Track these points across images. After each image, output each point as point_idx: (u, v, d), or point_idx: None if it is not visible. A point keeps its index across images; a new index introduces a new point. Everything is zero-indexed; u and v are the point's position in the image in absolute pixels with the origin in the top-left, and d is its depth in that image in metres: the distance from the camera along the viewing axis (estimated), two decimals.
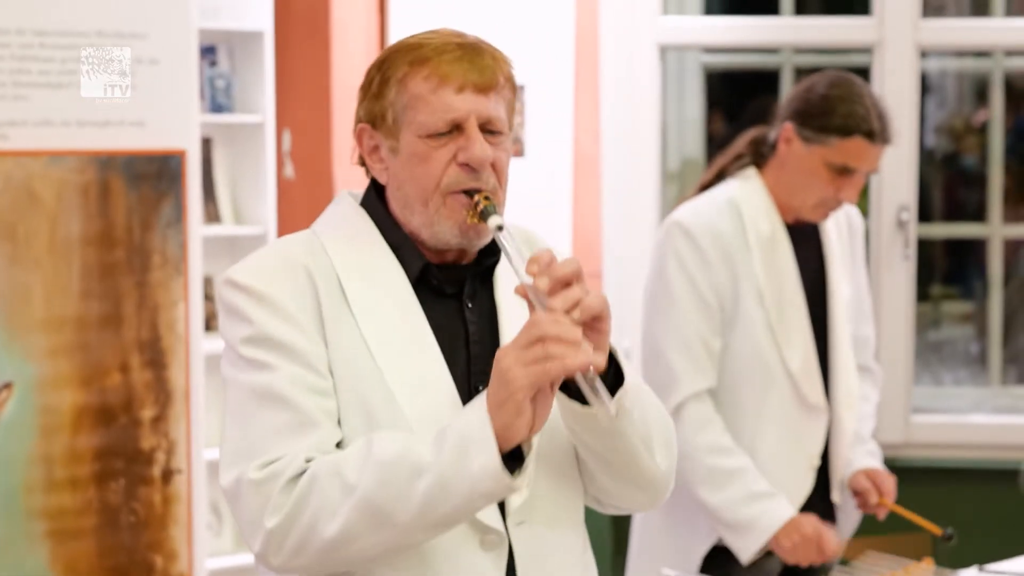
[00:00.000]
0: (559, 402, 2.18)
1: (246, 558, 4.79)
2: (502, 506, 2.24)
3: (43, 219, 3.97)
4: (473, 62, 2.26)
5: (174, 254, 4.18)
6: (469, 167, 2.25)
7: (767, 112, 6.52)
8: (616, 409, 2.12)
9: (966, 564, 3.47)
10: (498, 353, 2.10)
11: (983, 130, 6.85)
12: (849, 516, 3.70)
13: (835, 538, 3.46)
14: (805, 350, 3.53)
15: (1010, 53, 6.05)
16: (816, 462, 3.56)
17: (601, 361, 2.10)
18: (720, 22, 5.46)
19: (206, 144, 4.71)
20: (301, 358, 2.20)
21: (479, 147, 2.24)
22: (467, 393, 2.27)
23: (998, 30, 5.62)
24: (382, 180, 2.33)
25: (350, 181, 4.83)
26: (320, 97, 4.88)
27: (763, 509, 3.43)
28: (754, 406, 3.51)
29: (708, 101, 7.17)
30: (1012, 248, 6.79)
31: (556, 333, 2.05)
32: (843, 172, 3.41)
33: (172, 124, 4.15)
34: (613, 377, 2.19)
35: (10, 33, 3.93)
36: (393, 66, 2.29)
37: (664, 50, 5.40)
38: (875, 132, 3.39)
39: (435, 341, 2.27)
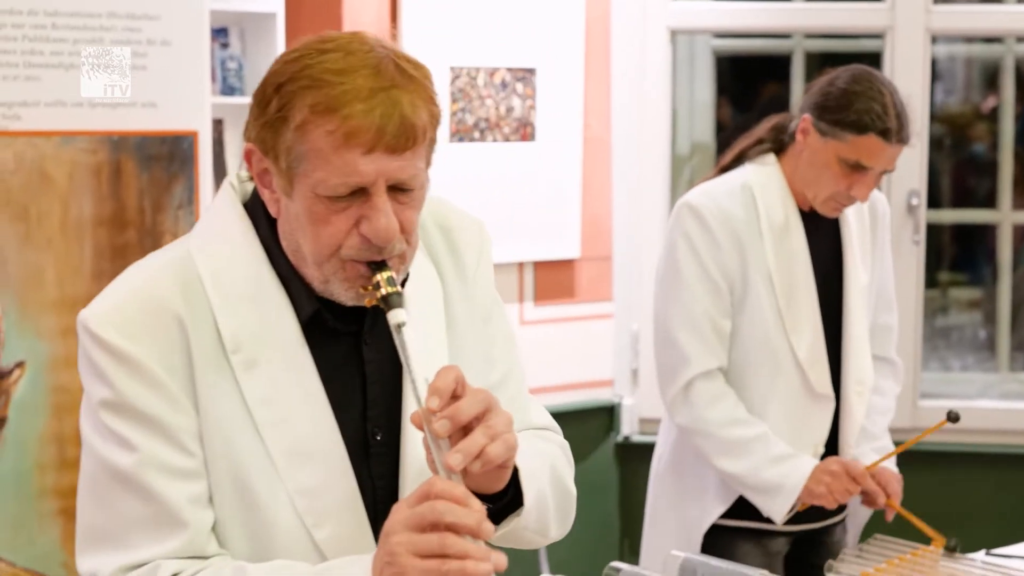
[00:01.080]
0: None
1: None
2: None
3: (55, 200, 3.97)
4: (388, 116, 1.92)
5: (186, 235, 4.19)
6: (371, 240, 1.97)
7: (777, 98, 6.53)
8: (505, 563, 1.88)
9: (974, 548, 3.48)
10: (391, 520, 1.87)
11: (991, 117, 6.84)
12: (858, 510, 3.72)
13: (858, 464, 3.49)
14: (813, 338, 3.54)
15: (1021, 39, 6.04)
16: (820, 450, 3.58)
17: (503, 562, 1.86)
18: (731, 6, 5.46)
19: (218, 126, 4.72)
20: (166, 432, 1.98)
21: (384, 221, 1.95)
22: (361, 446, 2.08)
23: (1010, 15, 5.62)
24: (272, 211, 2.05)
25: None
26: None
27: (788, 469, 3.48)
28: (761, 391, 3.53)
29: (718, 86, 7.17)
30: (1021, 234, 6.79)
31: (458, 522, 1.83)
32: (856, 168, 3.40)
33: (184, 105, 4.15)
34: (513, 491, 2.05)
35: (23, 14, 3.94)
36: (292, 103, 1.95)
37: (675, 34, 5.40)
38: (890, 131, 3.36)
39: (325, 397, 2.05)
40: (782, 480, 3.48)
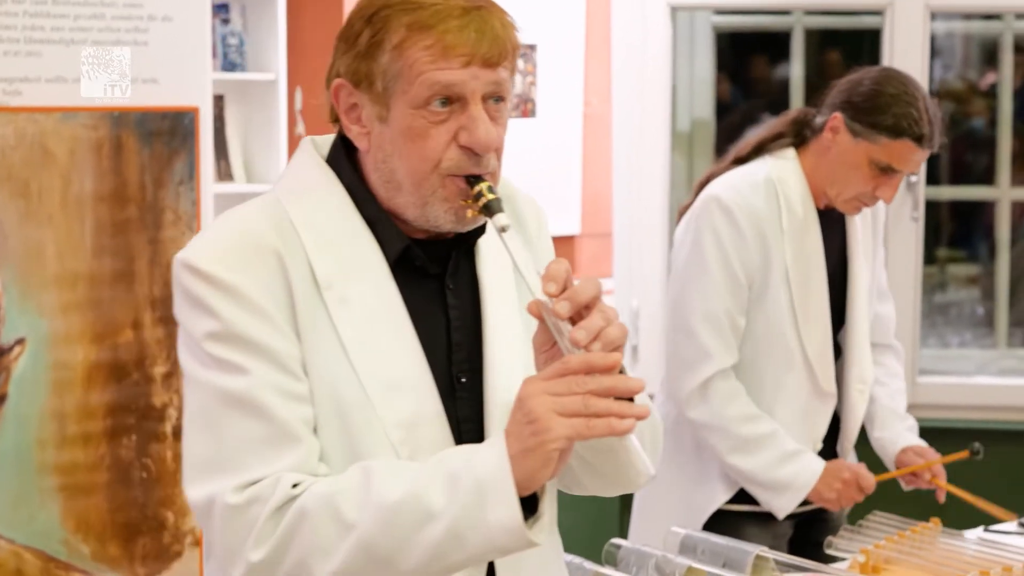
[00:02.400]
0: None
1: None
2: None
3: (56, 176, 3.97)
4: (481, 31, 2.01)
5: (186, 211, 4.19)
6: (471, 150, 2.03)
7: (777, 75, 6.52)
8: (652, 474, 1.94)
9: (972, 525, 3.49)
10: (525, 387, 1.90)
11: (989, 93, 6.85)
12: None
13: (869, 474, 3.52)
14: (823, 336, 3.55)
15: (1020, 16, 6.04)
16: (819, 446, 3.61)
17: (645, 411, 1.90)
18: None
19: (218, 102, 4.72)
20: (275, 358, 2.00)
21: (484, 129, 2.02)
22: (448, 387, 2.11)
23: None
24: (361, 146, 2.09)
25: None
26: (331, 56, 4.88)
27: (798, 467, 3.51)
28: (771, 385, 3.55)
29: (718, 62, 7.18)
30: (1020, 211, 6.80)
31: (602, 387, 1.87)
32: (885, 171, 3.40)
33: (185, 81, 4.15)
34: None
35: None
36: (387, 26, 2.02)
37: (675, 10, 5.40)
38: (925, 136, 3.37)
39: (415, 335, 2.08)
40: (792, 478, 3.50)
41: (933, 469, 3.64)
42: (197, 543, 4.26)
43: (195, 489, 2.00)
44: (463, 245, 2.15)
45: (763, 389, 3.54)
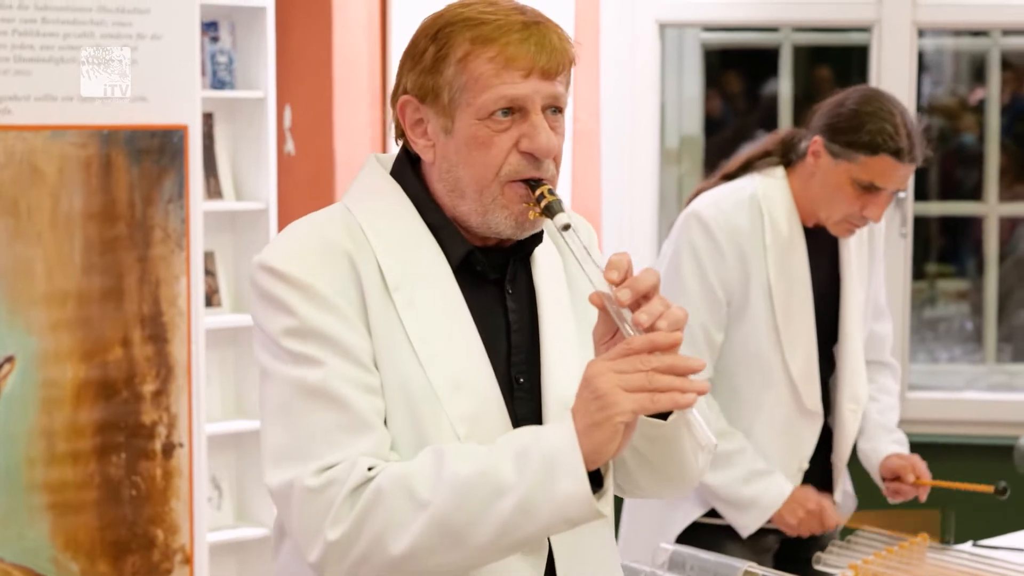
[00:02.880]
0: None
1: (246, 532, 4.81)
2: None
3: (45, 194, 3.98)
4: (541, 44, 2.14)
5: (176, 229, 4.19)
6: (532, 156, 2.13)
7: (764, 92, 6.54)
8: (715, 444, 2.02)
9: (961, 540, 3.49)
10: (591, 368, 2.00)
11: (978, 108, 6.87)
12: (847, 502, 3.74)
13: (834, 511, 3.51)
14: (807, 355, 3.53)
15: (1007, 32, 6.07)
16: (805, 465, 3.58)
17: (706, 387, 2.00)
18: (719, 0, 5.47)
19: (207, 119, 4.72)
20: (349, 353, 2.09)
21: (545, 136, 2.12)
22: (507, 387, 2.19)
23: (995, 9, 5.63)
24: (427, 158, 2.20)
25: (351, 156, 4.85)
26: (321, 72, 4.89)
27: (764, 487, 3.48)
28: (750, 403, 3.53)
29: (707, 80, 7.19)
30: (1008, 226, 6.82)
31: (664, 364, 1.97)
32: (869, 189, 3.38)
33: (174, 99, 4.17)
34: None
35: (12, 8, 3.95)
36: (451, 41, 2.14)
37: (663, 27, 5.41)
38: (903, 151, 3.34)
39: (478, 335, 2.18)
40: (757, 498, 3.48)
41: (917, 469, 3.62)
42: (187, 561, 4.26)
43: (274, 475, 2.09)
44: (520, 252, 2.25)
45: (741, 406, 3.53)
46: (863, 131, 3.36)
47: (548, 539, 2.17)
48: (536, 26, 2.16)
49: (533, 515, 1.99)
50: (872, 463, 3.67)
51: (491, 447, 2.05)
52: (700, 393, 1.98)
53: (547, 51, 2.14)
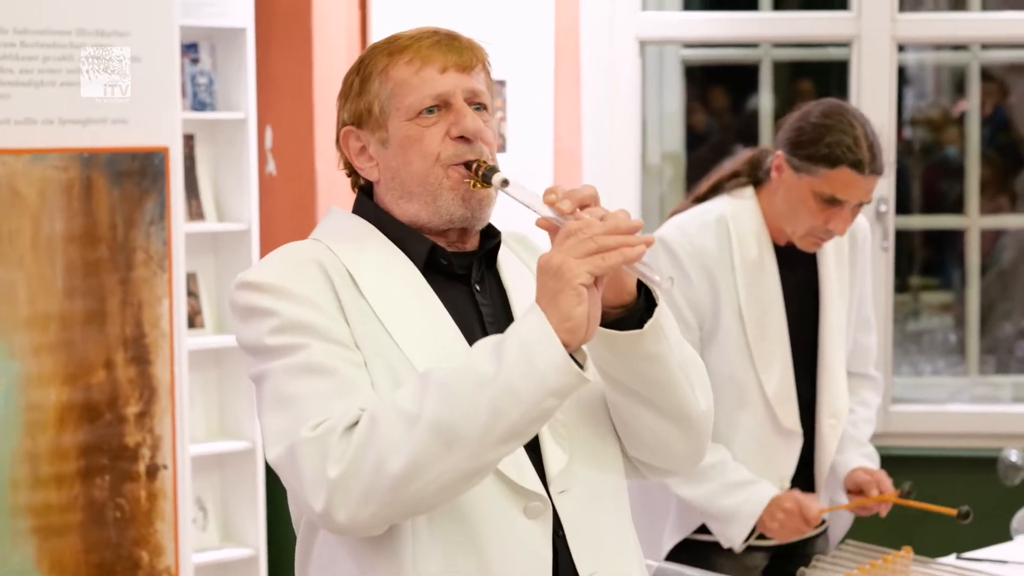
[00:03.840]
0: (593, 339, 2.14)
1: (232, 553, 4.81)
2: (541, 476, 2.21)
3: (26, 217, 3.98)
4: (451, 45, 2.30)
5: (158, 251, 4.20)
6: (464, 139, 2.27)
7: (748, 110, 6.56)
8: (671, 279, 2.10)
9: (945, 552, 3.50)
10: (542, 258, 2.09)
11: (962, 120, 6.89)
12: (838, 518, 3.73)
13: (814, 504, 3.49)
14: (783, 375, 3.52)
15: (986, 46, 6.09)
16: (786, 484, 3.56)
17: (650, 239, 2.09)
18: (699, 16, 5.50)
19: (188, 141, 4.72)
20: (330, 336, 2.18)
21: (470, 119, 2.27)
22: None
23: (974, 23, 5.66)
24: (372, 177, 2.34)
25: (332, 177, 4.86)
26: (302, 93, 4.90)
27: (744, 497, 3.47)
28: (726, 425, 3.51)
29: (688, 95, 7.20)
30: (990, 238, 6.83)
31: (605, 228, 2.07)
32: (831, 203, 3.37)
33: (155, 121, 4.17)
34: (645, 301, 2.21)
35: None
36: (372, 62, 2.32)
37: (644, 45, 5.42)
38: (863, 162, 3.32)
39: (451, 319, 2.27)
40: (738, 508, 3.47)
41: (881, 485, 3.61)
42: None
43: (273, 450, 2.15)
44: (482, 252, 2.35)
45: (717, 426, 3.50)
46: (822, 144, 3.35)
47: (553, 507, 2.21)
48: (446, 33, 2.33)
49: (518, 394, 2.04)
50: (838, 475, 3.66)
51: (466, 353, 2.13)
52: (647, 244, 2.07)
53: (457, 50, 2.31)
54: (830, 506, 3.60)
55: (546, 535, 2.20)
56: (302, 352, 2.16)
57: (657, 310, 2.18)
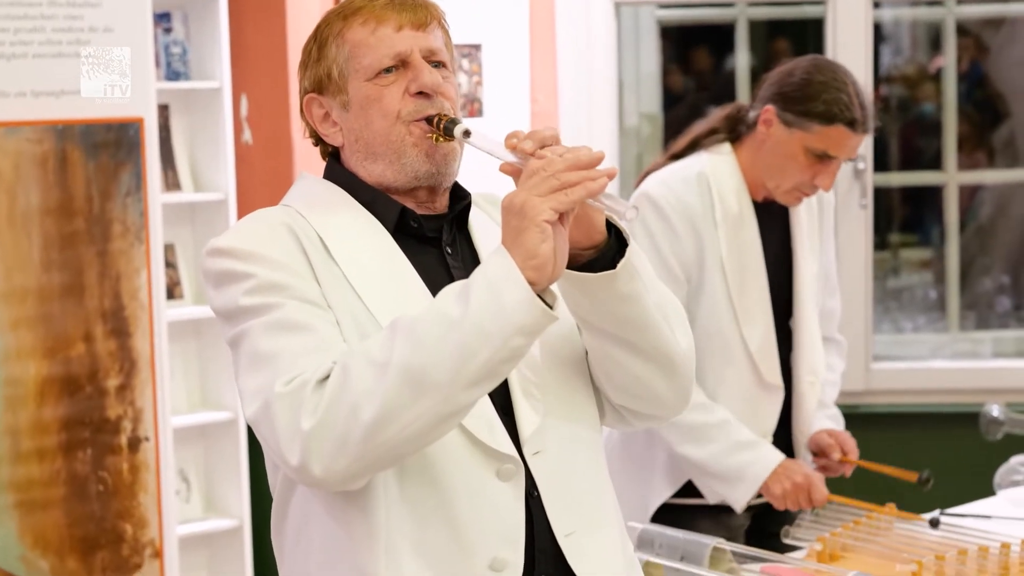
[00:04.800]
0: (566, 286, 2.16)
1: (216, 524, 4.81)
2: (516, 438, 2.21)
3: (1, 191, 3.96)
4: (404, 4, 2.31)
5: (135, 222, 4.18)
6: (423, 95, 2.28)
7: (725, 69, 6.55)
8: (635, 208, 2.09)
9: (929, 508, 3.51)
10: (505, 198, 2.09)
11: (938, 77, 6.89)
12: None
13: (824, 487, 3.50)
14: (765, 329, 3.54)
15: (962, 1, 6.08)
16: (769, 439, 3.57)
17: (613, 171, 2.09)
18: None
19: (163, 111, 4.70)
20: (303, 295, 2.19)
21: (428, 74, 2.27)
22: None
23: None
24: (337, 142, 2.35)
25: (308, 145, 4.83)
26: (276, 61, 4.88)
27: (752, 457, 3.47)
28: (712, 379, 3.52)
29: (664, 55, 7.19)
30: (968, 194, 6.83)
31: (566, 163, 2.06)
32: (822, 158, 3.40)
33: (129, 92, 4.14)
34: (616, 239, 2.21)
35: None
36: (327, 27, 2.33)
37: (619, 6, 5.41)
38: (857, 121, 3.36)
39: (421, 282, 2.26)
40: (745, 468, 3.48)
41: (844, 447, 3.62)
42: (157, 554, 4.25)
43: (250, 407, 2.15)
44: (452, 214, 2.35)
45: (704, 382, 3.53)
46: (819, 100, 3.37)
47: (528, 469, 2.21)
48: None
49: (486, 334, 2.04)
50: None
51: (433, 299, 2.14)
52: (609, 176, 2.06)
53: (411, 8, 2.31)
54: (838, 496, 3.60)
55: (519, 497, 2.20)
56: (277, 310, 2.17)
57: (629, 249, 2.17)
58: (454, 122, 2.27)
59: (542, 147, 2.12)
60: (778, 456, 3.49)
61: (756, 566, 3.06)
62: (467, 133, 2.25)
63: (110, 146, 4.13)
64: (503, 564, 2.18)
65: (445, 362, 2.04)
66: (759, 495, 3.52)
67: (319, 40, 2.34)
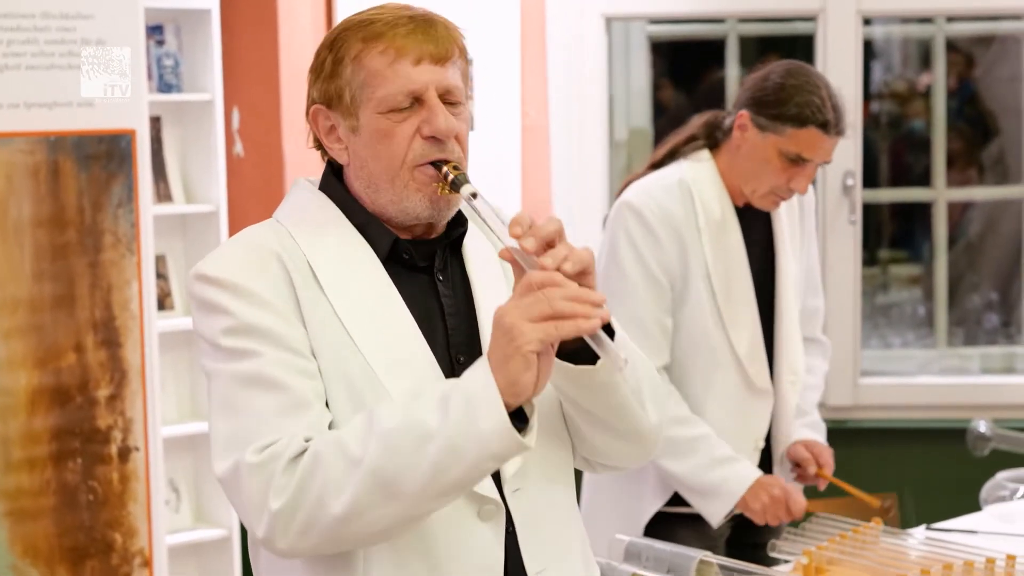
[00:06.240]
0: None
1: (205, 533, 4.82)
2: (496, 476, 2.23)
3: None
4: (427, 34, 2.25)
5: (126, 234, 4.19)
6: (434, 139, 2.24)
7: (715, 83, 6.57)
8: (625, 360, 2.07)
9: (915, 523, 3.52)
10: (498, 311, 2.07)
11: (928, 94, 6.91)
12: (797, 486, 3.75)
13: (801, 498, 3.52)
14: (752, 333, 3.56)
15: (952, 18, 6.11)
16: (761, 443, 3.60)
17: (607, 315, 2.07)
18: None
19: (155, 123, 4.71)
20: (284, 342, 2.17)
21: (442, 118, 2.23)
22: (448, 367, 2.26)
23: None
24: (342, 160, 2.32)
25: (300, 158, 4.85)
26: (269, 74, 4.89)
27: (728, 474, 3.49)
28: (700, 386, 3.54)
29: (655, 71, 7.20)
30: (959, 211, 6.85)
31: (569, 293, 2.04)
32: (796, 161, 3.42)
33: (121, 104, 4.15)
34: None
35: None
36: (345, 45, 2.27)
37: (609, 21, 5.43)
38: (829, 123, 3.39)
39: (411, 316, 2.25)
40: (721, 484, 3.50)
41: (820, 460, 3.64)
42: (146, 564, 4.26)
43: (221, 463, 2.14)
44: (447, 241, 2.34)
45: (694, 388, 3.55)
46: (791, 104, 3.40)
47: (506, 506, 2.23)
48: (422, 19, 2.28)
49: (460, 454, 2.05)
50: (783, 450, 3.69)
51: (417, 398, 2.11)
52: (604, 320, 2.04)
53: (433, 39, 2.25)
54: (817, 501, 3.62)
55: (499, 537, 2.23)
56: (254, 360, 2.16)
57: (617, 340, 2.16)
58: (462, 179, 2.23)
59: (546, 246, 2.09)
60: (754, 472, 3.51)
61: None
62: (474, 195, 2.22)
63: (102, 158, 4.14)
64: None
65: (416, 474, 2.06)
66: (738, 510, 3.53)
67: (335, 55, 2.28)
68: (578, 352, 2.16)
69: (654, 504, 3.60)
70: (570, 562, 2.33)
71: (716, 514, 3.51)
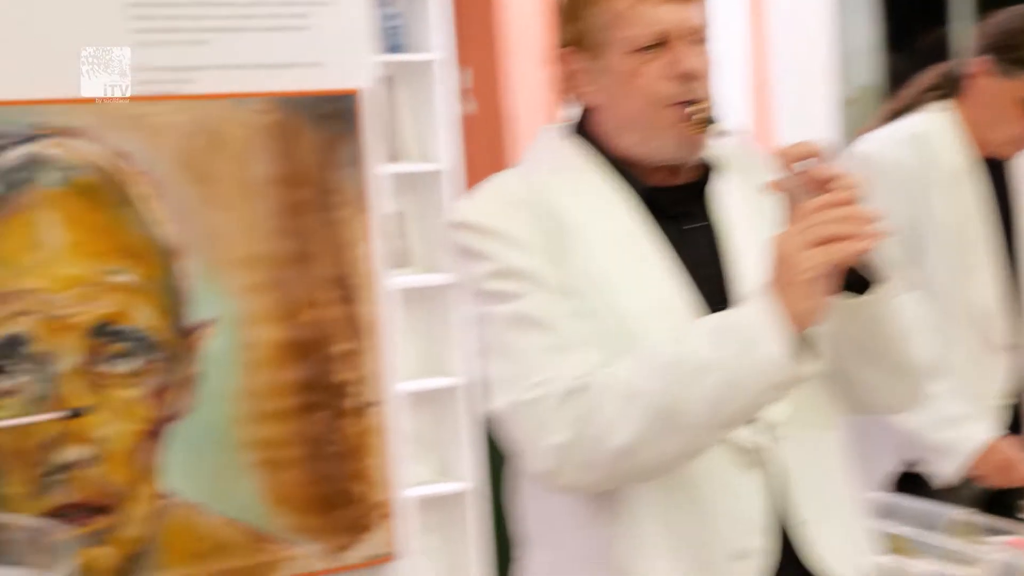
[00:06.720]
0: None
1: (447, 487, 4.88)
2: (762, 423, 2.23)
3: (232, 161, 4.07)
4: None
5: (356, 192, 4.27)
6: (683, 78, 2.25)
7: (940, 40, 6.45)
8: (898, 286, 2.07)
9: None
10: (777, 238, 2.08)
11: None
12: None
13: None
14: (989, 287, 3.49)
15: None
16: (1001, 402, 3.54)
17: (880, 233, 2.07)
18: None
19: (384, 83, 4.80)
20: (546, 283, 2.23)
21: (691, 58, 2.25)
22: (704, 311, 2.26)
23: None
24: (592, 103, 2.35)
25: (527, 115, 4.91)
26: (495, 34, 4.95)
27: (958, 434, 3.44)
28: (939, 341, 3.47)
29: (886, 27, 7.12)
30: None
31: (841, 214, 2.04)
32: None
33: (348, 65, 4.24)
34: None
35: None
36: None
37: None
38: None
39: (666, 258, 2.28)
40: (950, 445, 3.45)
41: None
42: (387, 516, 4.34)
43: (497, 401, 2.23)
44: (695, 189, 2.35)
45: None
46: (1022, 48, 3.32)
47: (774, 452, 2.23)
48: None
49: (739, 386, 2.07)
50: None
51: (688, 333, 2.15)
52: (877, 237, 2.04)
53: None
54: None
55: (763, 486, 2.22)
56: (519, 301, 2.22)
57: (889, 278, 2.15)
58: (713, 118, 2.24)
59: (804, 157, 2.09)
60: (984, 434, 3.43)
61: (998, 539, 3.02)
62: (725, 133, 2.25)
63: (331, 118, 4.22)
64: (746, 552, 2.21)
65: (697, 406, 2.09)
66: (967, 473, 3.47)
67: None
68: (855, 284, 2.17)
69: (892, 465, 3.55)
70: (839, 514, 2.31)
71: (944, 473, 3.45)
